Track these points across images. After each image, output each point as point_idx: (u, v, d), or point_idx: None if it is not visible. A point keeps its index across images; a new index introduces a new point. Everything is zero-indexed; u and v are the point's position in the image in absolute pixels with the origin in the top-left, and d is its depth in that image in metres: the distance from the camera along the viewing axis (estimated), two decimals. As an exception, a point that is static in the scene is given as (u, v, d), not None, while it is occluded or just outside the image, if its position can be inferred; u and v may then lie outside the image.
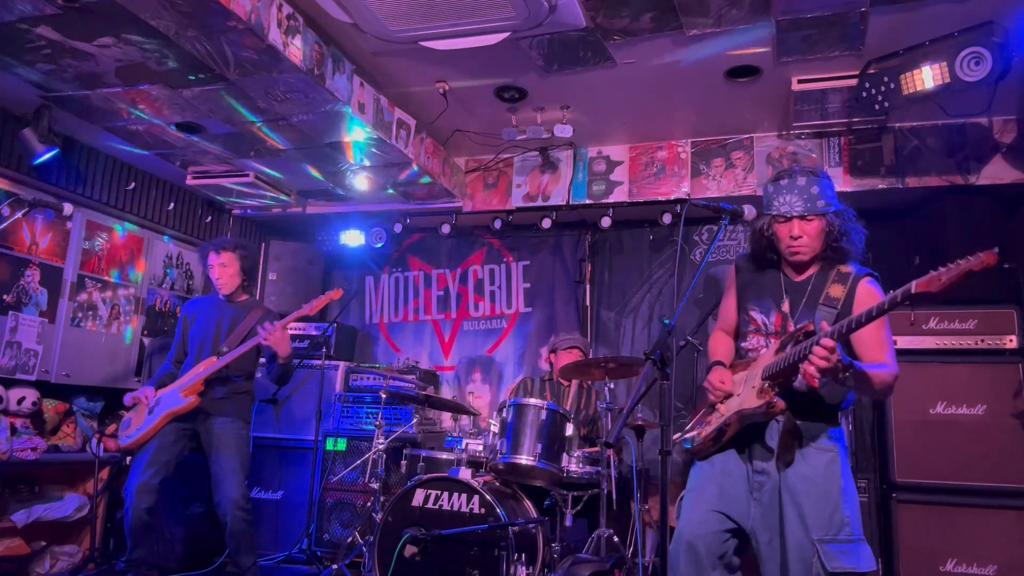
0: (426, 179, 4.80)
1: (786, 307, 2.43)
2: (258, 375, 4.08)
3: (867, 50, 3.56)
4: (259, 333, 3.67)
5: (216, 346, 3.80)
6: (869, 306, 2.19)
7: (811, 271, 2.44)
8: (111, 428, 3.83)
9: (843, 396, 2.36)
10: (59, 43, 3.25)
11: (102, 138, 4.50)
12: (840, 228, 2.35)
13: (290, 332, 4.24)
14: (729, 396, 2.43)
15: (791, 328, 2.38)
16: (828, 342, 2.06)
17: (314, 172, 4.79)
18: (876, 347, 2.32)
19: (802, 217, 2.35)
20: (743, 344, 2.52)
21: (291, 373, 3.91)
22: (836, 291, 2.36)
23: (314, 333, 5.23)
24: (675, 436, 2.57)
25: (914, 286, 2.05)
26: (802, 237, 2.35)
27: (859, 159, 4.43)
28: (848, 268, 2.39)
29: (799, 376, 2.18)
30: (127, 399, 3.84)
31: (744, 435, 2.38)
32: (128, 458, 4.56)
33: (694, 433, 2.51)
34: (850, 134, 4.43)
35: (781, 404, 2.24)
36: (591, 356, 4.94)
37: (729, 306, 2.63)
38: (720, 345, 2.65)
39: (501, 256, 5.83)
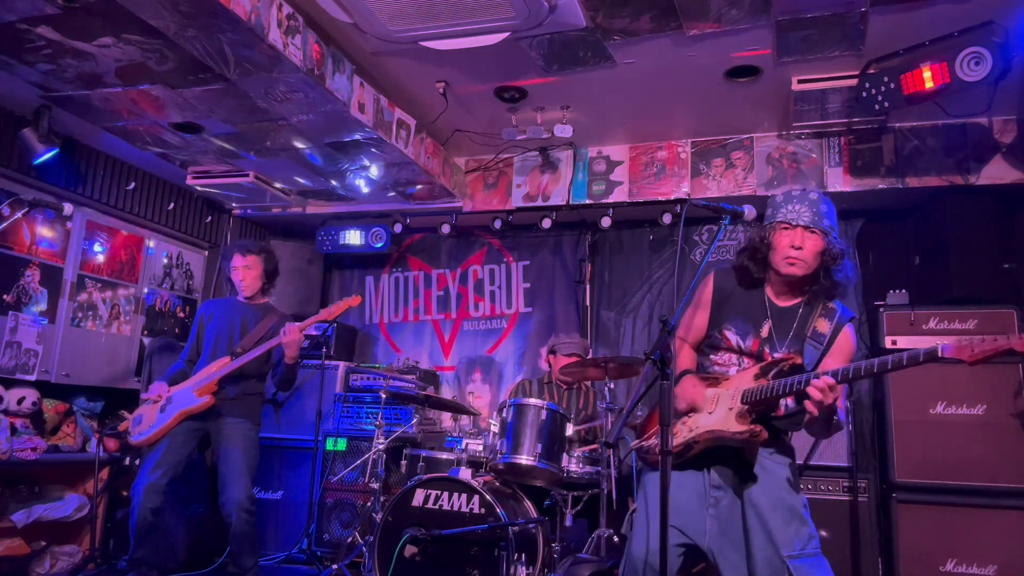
0: (426, 179, 4.80)
1: (766, 331, 2.39)
2: None
3: (867, 50, 3.56)
4: (277, 337, 3.67)
5: (230, 346, 3.79)
6: (843, 354, 2.29)
7: (797, 299, 2.42)
8: (123, 425, 3.80)
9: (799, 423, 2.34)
10: (59, 43, 3.25)
11: (102, 138, 4.50)
12: (836, 254, 2.32)
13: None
14: (696, 409, 2.39)
15: (769, 354, 2.36)
16: (829, 381, 2.06)
17: (314, 172, 4.79)
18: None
19: (807, 228, 2.32)
20: (712, 357, 2.48)
21: (295, 378, 3.92)
22: (823, 326, 2.34)
23: (314, 333, 5.22)
24: (633, 443, 2.52)
25: (944, 351, 2.00)
26: (802, 249, 2.32)
27: (859, 159, 4.43)
28: (833, 306, 2.38)
29: (779, 405, 2.20)
30: (146, 395, 3.82)
31: (705, 454, 2.35)
32: (128, 458, 4.58)
33: (652, 442, 2.43)
34: (850, 134, 4.43)
35: (765, 434, 2.21)
36: (591, 356, 4.94)
37: (699, 320, 2.54)
38: (685, 356, 2.58)
39: (501, 256, 5.83)
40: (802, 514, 2.27)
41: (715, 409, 2.34)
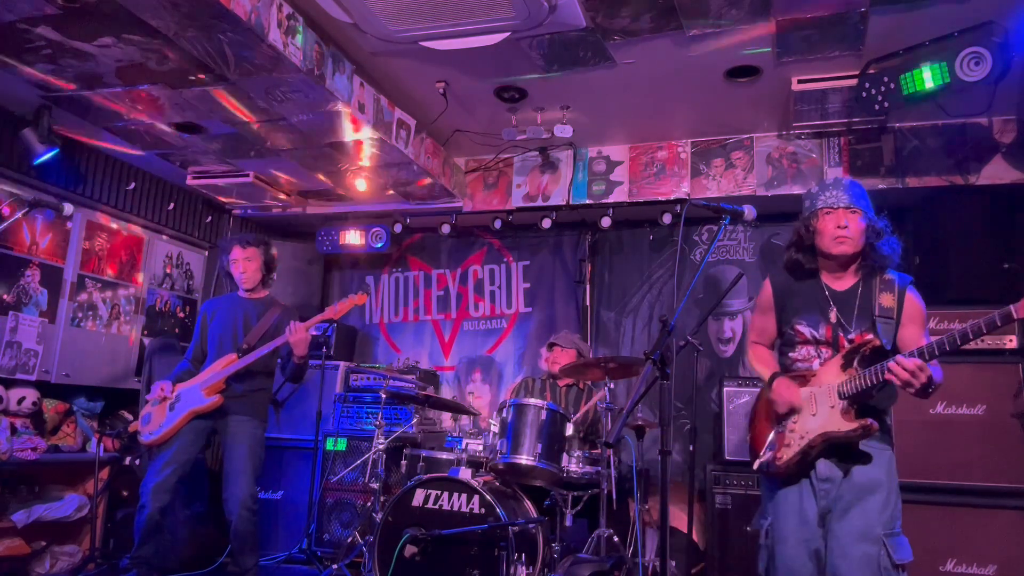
0: (426, 179, 4.80)
1: (833, 316, 2.46)
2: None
3: (867, 50, 3.56)
4: (285, 333, 3.67)
5: (235, 343, 3.79)
6: (915, 318, 2.37)
7: (853, 280, 2.50)
8: (133, 426, 3.78)
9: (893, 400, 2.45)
10: (59, 43, 3.25)
11: (102, 138, 4.50)
12: (879, 230, 2.45)
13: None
14: (795, 411, 2.43)
15: (843, 339, 2.43)
16: (909, 362, 2.16)
17: (314, 172, 4.79)
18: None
19: (847, 208, 2.43)
20: (792, 355, 2.55)
21: (305, 371, 3.93)
22: (887, 300, 2.42)
23: (314, 333, 5.21)
24: (755, 465, 2.55)
25: (1016, 311, 2.09)
26: (848, 227, 2.42)
27: (859, 159, 4.43)
28: (889, 276, 2.47)
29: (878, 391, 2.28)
30: (150, 395, 3.80)
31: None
32: (128, 458, 4.57)
33: (768, 456, 2.48)
34: (850, 134, 4.43)
35: (876, 425, 2.30)
36: (590, 356, 4.94)
37: (767, 323, 2.66)
38: (767, 357, 2.69)
39: (501, 256, 5.83)
40: (897, 498, 2.37)
41: (817, 409, 2.39)
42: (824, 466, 2.40)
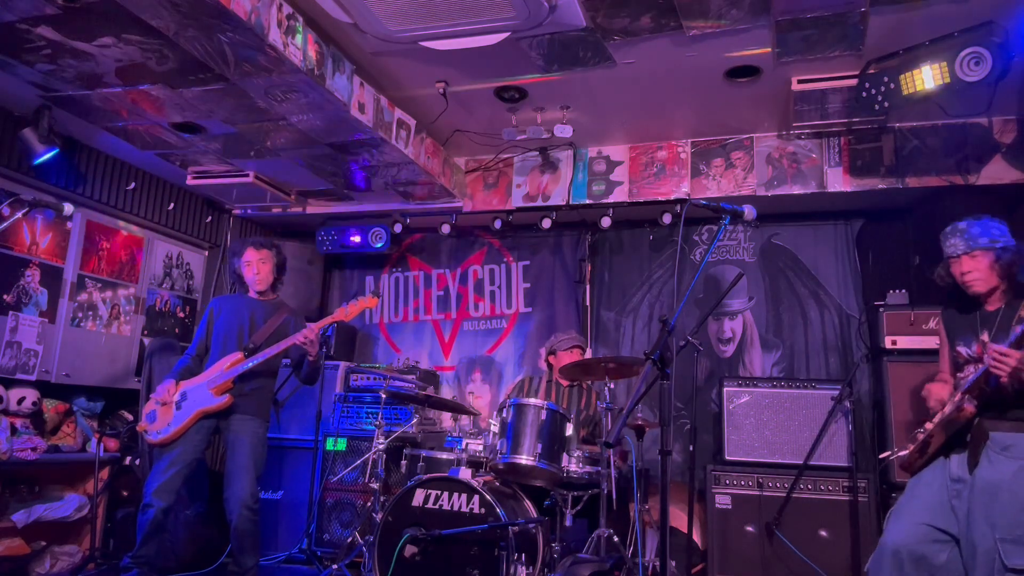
0: (426, 179, 4.80)
1: (985, 336, 2.68)
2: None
3: (867, 50, 3.56)
4: (295, 335, 3.68)
5: (240, 342, 3.79)
6: None
7: (999, 303, 2.75)
8: (141, 426, 3.77)
9: None
10: (59, 43, 3.25)
11: (102, 138, 4.50)
12: (1010, 260, 2.69)
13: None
14: (942, 404, 2.72)
15: None
16: (1000, 347, 2.42)
17: (314, 172, 4.79)
18: None
19: (967, 253, 2.72)
20: (959, 375, 2.80)
21: (320, 371, 3.95)
22: None
23: (316, 333, 5.24)
24: (888, 454, 3.04)
25: None
26: (972, 272, 2.71)
27: (859, 159, 4.43)
28: None
29: (992, 382, 2.48)
30: (156, 396, 3.77)
31: (946, 447, 2.67)
32: (128, 458, 4.57)
33: (904, 452, 2.82)
34: (850, 134, 4.43)
35: (970, 408, 2.52)
36: (590, 356, 4.94)
37: (944, 354, 2.96)
38: (937, 383, 2.95)
39: (501, 256, 5.84)
40: None
41: (948, 407, 2.67)
42: (955, 463, 2.65)
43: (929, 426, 2.72)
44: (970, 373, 2.67)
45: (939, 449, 2.68)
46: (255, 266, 3.92)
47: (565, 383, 4.45)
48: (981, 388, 2.53)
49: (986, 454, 2.53)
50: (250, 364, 3.68)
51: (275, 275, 4.01)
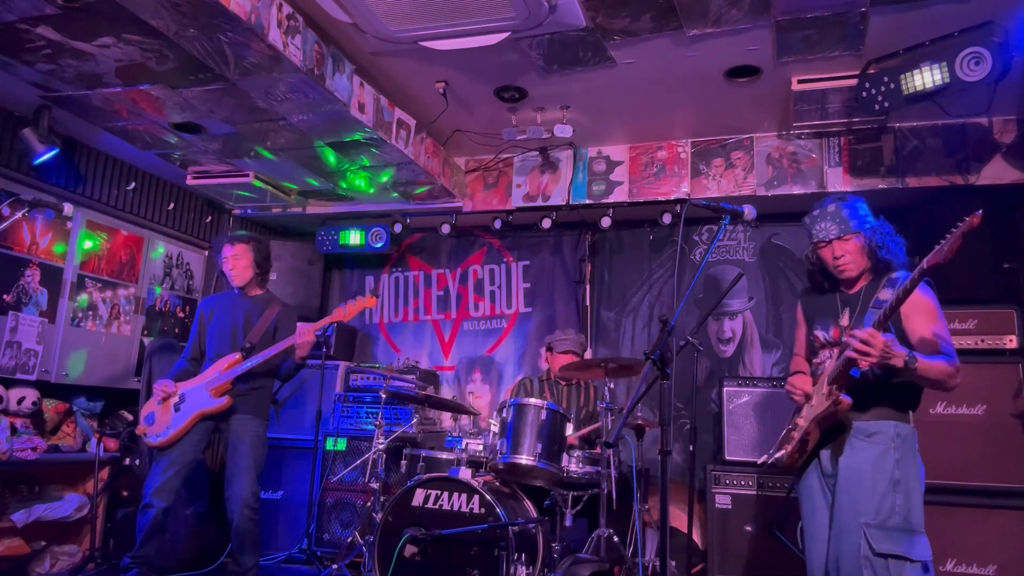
0: (426, 179, 4.80)
1: (845, 319, 2.61)
2: None
3: (867, 50, 3.56)
4: (294, 336, 3.66)
5: (235, 343, 3.78)
6: (920, 310, 2.45)
7: (862, 283, 2.65)
8: (141, 429, 3.77)
9: (907, 390, 2.50)
10: (59, 43, 3.25)
11: (102, 138, 4.50)
12: (878, 242, 2.58)
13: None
14: (809, 398, 2.62)
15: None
16: (861, 332, 2.29)
17: (314, 172, 4.79)
18: (928, 343, 2.46)
19: (838, 238, 2.58)
20: (815, 361, 2.72)
21: (299, 370, 3.92)
22: (884, 295, 2.52)
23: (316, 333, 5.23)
24: (765, 459, 2.79)
25: (924, 263, 2.26)
26: (844, 256, 2.59)
27: (859, 159, 4.43)
28: (895, 275, 2.56)
29: (854, 368, 2.38)
30: (156, 392, 3.77)
31: (821, 443, 2.57)
32: (128, 458, 4.57)
33: (781, 452, 2.68)
34: (850, 134, 4.43)
35: (847, 401, 2.41)
36: (590, 356, 4.94)
37: (802, 335, 2.86)
38: (798, 364, 2.88)
39: (501, 256, 5.84)
40: (888, 490, 2.40)
41: (816, 400, 2.58)
42: (824, 459, 2.56)
43: (801, 422, 2.60)
44: (825, 358, 2.61)
45: (817, 444, 2.59)
46: (230, 261, 3.88)
47: (564, 383, 4.45)
48: (847, 376, 2.43)
49: (850, 443, 2.49)
50: (249, 365, 3.68)
51: (255, 270, 3.92)
